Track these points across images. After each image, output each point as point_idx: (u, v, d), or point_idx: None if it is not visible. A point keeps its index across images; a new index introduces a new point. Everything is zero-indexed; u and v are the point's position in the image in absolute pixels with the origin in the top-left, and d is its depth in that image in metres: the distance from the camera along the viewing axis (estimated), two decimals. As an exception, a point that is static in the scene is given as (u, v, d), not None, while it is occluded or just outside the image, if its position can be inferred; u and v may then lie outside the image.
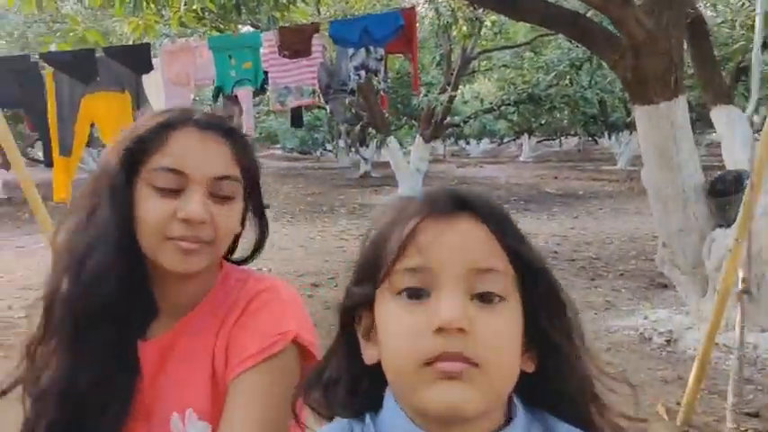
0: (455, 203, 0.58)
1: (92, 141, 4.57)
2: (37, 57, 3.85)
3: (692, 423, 2.42)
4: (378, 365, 0.59)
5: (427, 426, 0.56)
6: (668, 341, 3.32)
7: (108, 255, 0.77)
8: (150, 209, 0.78)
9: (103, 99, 3.86)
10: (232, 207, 0.83)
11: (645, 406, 2.64)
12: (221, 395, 0.80)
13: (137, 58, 3.84)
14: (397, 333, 0.56)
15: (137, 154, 0.79)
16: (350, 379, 0.63)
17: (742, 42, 3.92)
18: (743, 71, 4.48)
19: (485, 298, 0.55)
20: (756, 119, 2.84)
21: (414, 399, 0.55)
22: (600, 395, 0.65)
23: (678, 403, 2.54)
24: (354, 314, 0.62)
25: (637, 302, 4.06)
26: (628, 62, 3.09)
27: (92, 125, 3.95)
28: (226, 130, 0.83)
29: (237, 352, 0.80)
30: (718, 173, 3.55)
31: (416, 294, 0.56)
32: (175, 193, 0.79)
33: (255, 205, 0.90)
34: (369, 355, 0.61)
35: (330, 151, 20.72)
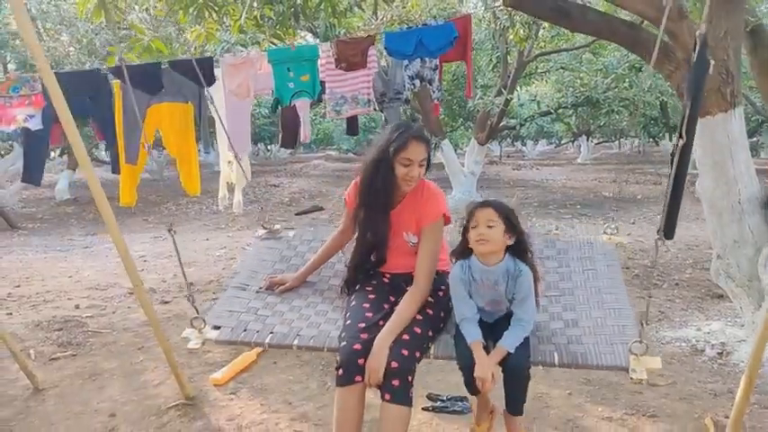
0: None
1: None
2: (106, 69, 4.11)
3: (740, 437, 2.42)
4: None
5: (481, 258, 2.00)
6: (720, 353, 3.29)
7: (379, 182, 2.15)
8: (403, 169, 2.11)
9: (168, 109, 4.01)
10: (423, 168, 2.16)
11: (693, 418, 2.66)
12: (418, 227, 2.17)
13: (201, 71, 4.08)
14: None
15: (395, 151, 2.09)
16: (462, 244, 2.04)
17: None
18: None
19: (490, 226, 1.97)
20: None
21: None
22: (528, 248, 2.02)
23: (726, 416, 2.53)
24: None
25: (691, 313, 4.01)
26: (683, 73, 3.08)
27: (156, 131, 4.18)
28: (425, 139, 2.14)
29: (426, 212, 2.15)
30: (777, 184, 3.47)
31: None
32: (409, 165, 2.11)
33: (428, 166, 2.19)
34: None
35: (385, 153, 20.92)
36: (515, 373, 1.90)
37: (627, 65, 9.38)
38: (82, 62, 9.57)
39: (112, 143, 4.12)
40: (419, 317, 2.03)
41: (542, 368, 2.10)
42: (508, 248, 2.00)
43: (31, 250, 7.61)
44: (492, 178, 14.37)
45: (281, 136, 5.03)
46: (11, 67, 11.35)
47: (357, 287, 2.26)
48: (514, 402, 1.98)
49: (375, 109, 4.68)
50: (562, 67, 11.29)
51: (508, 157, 24.31)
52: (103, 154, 15.16)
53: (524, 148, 26.58)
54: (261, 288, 2.47)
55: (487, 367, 1.86)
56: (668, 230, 1.85)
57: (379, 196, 2.15)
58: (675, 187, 1.83)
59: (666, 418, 2.65)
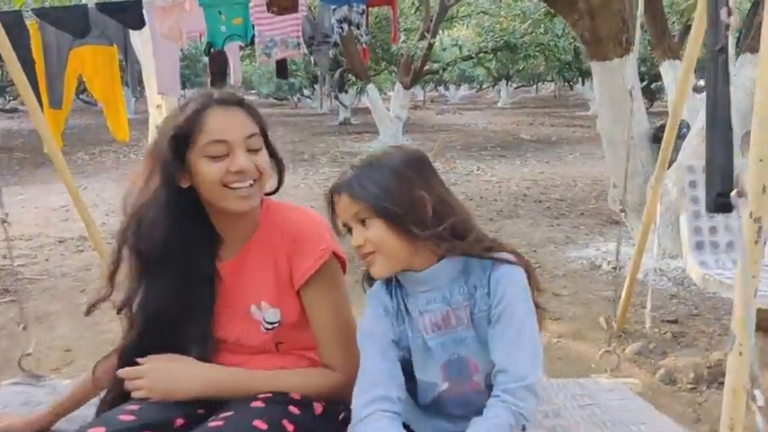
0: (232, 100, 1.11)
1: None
2: (29, 11, 3.95)
3: (626, 330, 2.94)
4: None
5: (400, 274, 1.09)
6: (614, 267, 3.83)
7: (158, 211, 1.09)
8: (210, 171, 1.07)
9: (91, 52, 3.97)
10: (262, 154, 1.13)
11: (590, 319, 3.16)
12: (284, 291, 1.15)
13: (129, 14, 4.03)
14: None
15: (182, 139, 1.08)
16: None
17: (691, 1, 4.27)
18: (690, 29, 4.84)
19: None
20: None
21: None
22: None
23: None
24: None
25: (592, 237, 4.56)
26: (585, 22, 3.43)
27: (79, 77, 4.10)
28: (238, 101, 1.12)
29: (298, 266, 1.13)
30: (661, 122, 3.99)
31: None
32: (224, 156, 1.08)
33: (272, 151, 1.18)
34: None
35: (308, 97, 20.64)
36: None
37: (543, 10, 9.79)
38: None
39: (34, 88, 4.03)
40: None
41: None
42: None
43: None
44: (417, 123, 14.70)
45: (209, 80, 5.04)
46: None
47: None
48: None
49: (304, 52, 4.79)
50: (482, 11, 11.59)
51: (432, 101, 24.71)
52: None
53: (447, 92, 27.07)
54: None
55: None
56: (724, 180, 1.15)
57: (180, 257, 1.13)
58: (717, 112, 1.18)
59: (568, 320, 3.14)
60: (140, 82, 5.01)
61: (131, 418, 1.02)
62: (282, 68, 5.12)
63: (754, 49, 3.05)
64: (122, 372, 1.10)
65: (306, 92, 20.07)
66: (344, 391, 1.07)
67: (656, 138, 3.87)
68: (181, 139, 1.08)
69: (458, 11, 11.99)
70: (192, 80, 19.26)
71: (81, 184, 7.75)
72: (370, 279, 1.09)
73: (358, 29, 4.63)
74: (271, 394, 1.08)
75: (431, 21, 10.37)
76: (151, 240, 1.10)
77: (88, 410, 1.23)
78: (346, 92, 16.10)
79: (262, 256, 1.16)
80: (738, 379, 1.08)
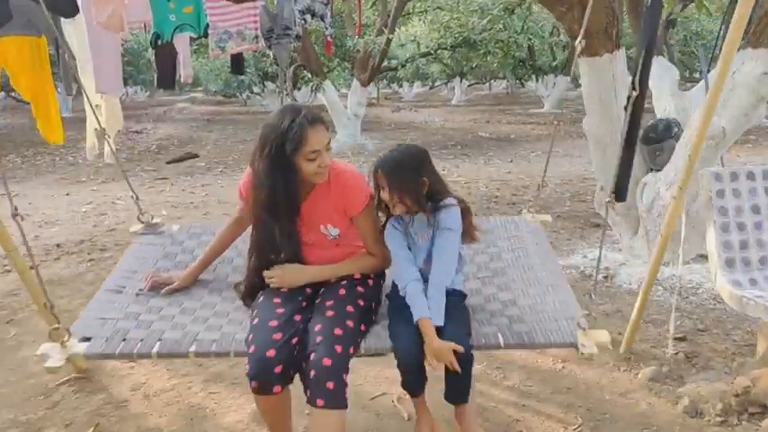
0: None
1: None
2: None
3: (633, 350, 2.68)
4: None
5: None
6: (606, 277, 3.60)
7: (281, 189, 1.79)
8: (311, 165, 1.77)
9: (14, 44, 3.48)
10: (331, 151, 1.83)
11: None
12: (341, 218, 1.90)
13: (60, 1, 3.51)
14: None
15: (294, 149, 1.74)
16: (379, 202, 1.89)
17: (672, -5, 4.14)
18: (672, 23, 4.72)
19: None
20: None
21: None
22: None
23: (620, 333, 2.79)
24: None
25: (575, 242, 4.34)
26: (575, 14, 3.17)
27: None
28: (323, 120, 1.80)
29: (352, 203, 1.87)
30: (651, 122, 3.78)
31: None
32: (317, 157, 1.78)
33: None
34: None
35: (258, 94, 19.89)
36: (458, 357, 1.65)
37: (501, 6, 9.62)
38: None
39: (-53, 84, 3.47)
40: (350, 308, 1.77)
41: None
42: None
43: None
44: (373, 121, 14.35)
45: (156, 76, 4.54)
46: None
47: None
48: (459, 390, 1.78)
49: (262, 46, 4.37)
50: (438, 7, 11.33)
51: (386, 98, 24.41)
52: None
53: (401, 89, 26.84)
54: (141, 290, 2.05)
55: (443, 351, 1.62)
56: (620, 193, 1.71)
57: (282, 205, 1.80)
58: (628, 145, 1.65)
59: (569, 341, 2.86)
60: (76, 78, 4.45)
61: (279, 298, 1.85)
62: (238, 63, 4.69)
63: (757, 44, 2.85)
64: (266, 273, 1.87)
65: (256, 89, 19.32)
66: (381, 266, 1.98)
67: (646, 139, 3.66)
68: (293, 144, 1.74)
69: (414, 6, 11.72)
70: (135, 77, 18.22)
71: (12, 191, 7.03)
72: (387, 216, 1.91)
73: (322, 21, 4.25)
74: (345, 281, 1.89)
75: (388, 16, 10.04)
76: (271, 200, 1.80)
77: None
78: (299, 89, 15.56)
79: (323, 198, 1.89)
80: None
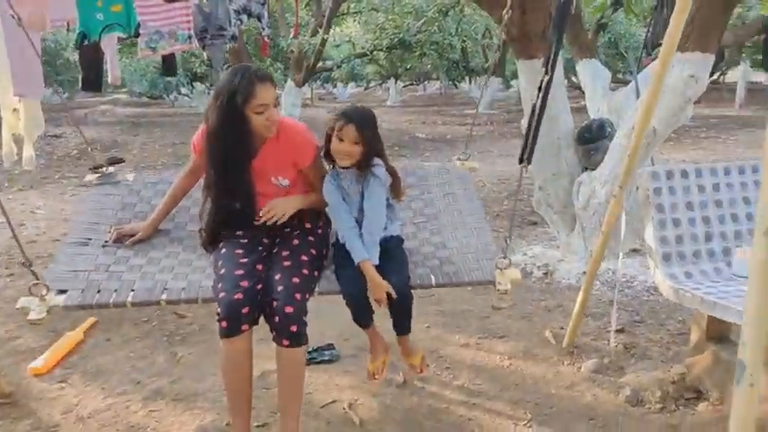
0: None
1: None
2: None
3: (576, 344, 2.77)
4: None
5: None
6: (545, 273, 3.71)
7: (232, 139, 1.96)
8: (260, 118, 1.93)
9: None
10: (278, 108, 2.00)
11: (535, 333, 2.97)
12: (290, 169, 2.08)
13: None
14: None
15: (244, 101, 1.90)
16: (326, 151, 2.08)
17: (602, 0, 4.32)
18: (603, 27, 4.94)
19: None
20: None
21: None
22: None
23: (562, 328, 2.88)
24: None
25: (514, 240, 4.43)
26: (514, 17, 3.24)
27: None
28: (271, 78, 1.98)
29: (302, 156, 2.07)
30: (585, 122, 3.92)
31: None
32: (265, 110, 1.94)
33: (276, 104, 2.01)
34: None
35: (186, 95, 19.19)
36: (399, 293, 1.92)
37: (435, 8, 9.76)
38: None
39: None
40: (305, 257, 1.98)
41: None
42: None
43: None
44: (308, 122, 14.02)
45: (81, 77, 4.29)
46: None
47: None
48: (402, 323, 2.06)
49: (196, 46, 4.22)
50: (373, 9, 11.37)
51: (320, 99, 24.22)
52: None
53: (335, 90, 26.70)
54: (107, 242, 2.19)
55: (383, 287, 1.90)
56: (528, 157, 2.01)
57: (234, 154, 1.98)
58: (538, 119, 1.95)
59: (514, 336, 2.93)
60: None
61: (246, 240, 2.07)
62: (170, 64, 4.51)
63: (684, 48, 3.01)
64: (263, 212, 2.05)
65: (184, 90, 18.63)
66: (322, 202, 2.09)
67: (581, 138, 3.80)
68: (243, 98, 1.90)
69: (348, 7, 11.70)
70: (53, 78, 17.10)
71: None
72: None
73: (259, 21, 4.15)
74: (297, 231, 2.09)
75: (323, 16, 9.97)
76: (224, 150, 1.98)
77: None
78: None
79: (273, 151, 2.04)
80: (748, 411, 1.14)
